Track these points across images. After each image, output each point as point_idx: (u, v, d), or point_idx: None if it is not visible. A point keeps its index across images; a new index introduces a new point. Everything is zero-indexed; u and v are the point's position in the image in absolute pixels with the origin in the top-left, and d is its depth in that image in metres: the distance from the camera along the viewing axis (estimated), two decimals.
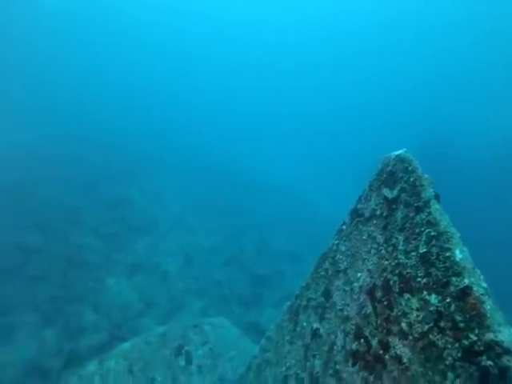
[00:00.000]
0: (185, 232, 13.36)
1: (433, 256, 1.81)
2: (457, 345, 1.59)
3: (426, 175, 2.02)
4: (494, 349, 1.44)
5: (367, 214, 2.43)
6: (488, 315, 1.51)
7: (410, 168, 2.08)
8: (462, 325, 1.59)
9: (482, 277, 1.67)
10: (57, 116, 21.90)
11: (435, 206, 1.88)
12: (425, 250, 1.86)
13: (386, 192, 2.23)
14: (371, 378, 2.09)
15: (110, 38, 52.57)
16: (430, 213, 1.88)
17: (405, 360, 1.86)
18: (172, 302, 9.29)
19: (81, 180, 14.23)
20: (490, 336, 1.46)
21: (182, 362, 4.62)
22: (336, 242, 2.81)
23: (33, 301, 7.82)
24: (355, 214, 2.58)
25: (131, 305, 8.66)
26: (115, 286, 9.08)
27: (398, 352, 1.91)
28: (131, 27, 56.45)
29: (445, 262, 1.74)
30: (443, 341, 1.66)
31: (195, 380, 4.43)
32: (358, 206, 2.56)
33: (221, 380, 4.50)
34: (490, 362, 1.44)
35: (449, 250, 1.74)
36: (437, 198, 1.92)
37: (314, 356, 2.81)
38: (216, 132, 31.09)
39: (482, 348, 1.48)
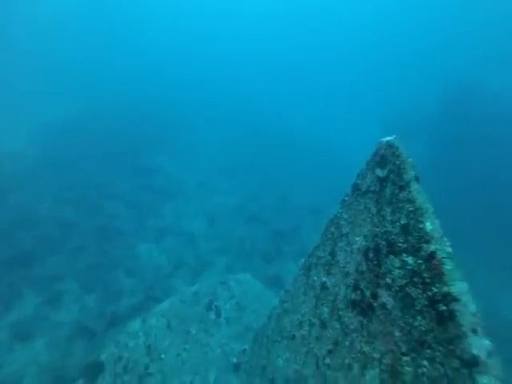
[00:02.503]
0: (209, 193, 13.94)
1: (410, 226, 2.27)
2: (424, 295, 2.09)
3: (410, 159, 2.43)
4: (447, 298, 1.92)
5: (364, 189, 2.87)
6: (445, 274, 1.98)
7: (396, 153, 2.49)
8: (428, 280, 2.07)
9: (448, 243, 2.13)
10: (81, 92, 22.22)
11: (414, 187, 2.31)
12: (405, 221, 2.32)
13: (378, 172, 2.65)
14: (365, 321, 2.63)
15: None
16: (409, 191, 2.32)
17: (389, 307, 2.38)
18: (199, 261, 9.96)
19: (110, 152, 14.85)
20: (445, 289, 1.95)
21: (213, 316, 5.32)
22: (340, 210, 3.27)
23: (73, 270, 8.62)
24: (355, 187, 3.02)
25: (161, 267, 9.37)
26: (146, 250, 9.82)
27: (384, 300, 2.43)
28: None
29: (418, 232, 2.20)
30: (415, 292, 2.15)
31: (224, 330, 5.14)
32: (358, 181, 2.99)
33: (246, 329, 5.19)
34: (444, 307, 1.93)
35: (422, 222, 2.19)
36: (416, 179, 2.34)
37: (322, 304, 3.37)
38: (238, 92, 30.94)
39: (439, 297, 1.97)
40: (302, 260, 4.09)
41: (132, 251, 9.63)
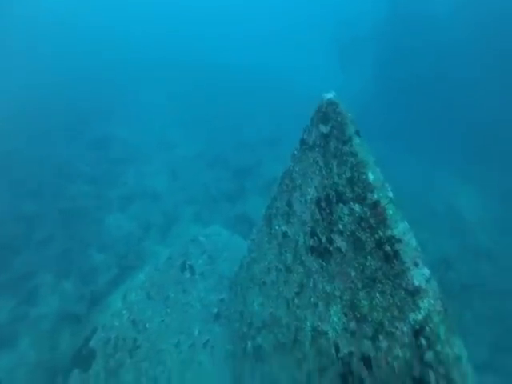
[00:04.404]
0: (166, 149, 13.55)
1: (355, 178, 2.47)
2: (372, 238, 2.35)
3: (350, 114, 2.58)
4: (391, 240, 2.19)
5: (311, 143, 3.02)
6: (388, 218, 2.24)
7: (337, 110, 2.62)
8: (374, 225, 2.32)
9: (389, 189, 2.36)
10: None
11: (356, 141, 2.49)
12: (349, 174, 2.52)
13: (322, 128, 2.79)
14: (324, 264, 2.92)
15: None
16: (351, 145, 2.50)
17: (343, 250, 2.65)
18: (167, 217, 9.88)
19: (57, 130, 13.80)
20: (389, 232, 2.21)
21: (188, 275, 5.56)
22: (292, 163, 3.44)
23: (45, 261, 8.24)
24: (303, 143, 3.16)
25: (132, 233, 9.23)
26: (114, 221, 9.59)
27: (339, 245, 2.70)
28: None
29: (362, 183, 2.41)
30: (364, 236, 2.41)
31: (201, 285, 5.42)
32: (304, 136, 3.12)
33: (221, 278, 5.49)
34: (388, 248, 2.20)
35: (364, 173, 2.40)
36: (357, 133, 2.51)
37: (285, 251, 3.65)
38: (179, 37, 29.02)
39: (385, 240, 2.24)
40: (263, 211, 4.30)
41: (100, 226, 9.41)
